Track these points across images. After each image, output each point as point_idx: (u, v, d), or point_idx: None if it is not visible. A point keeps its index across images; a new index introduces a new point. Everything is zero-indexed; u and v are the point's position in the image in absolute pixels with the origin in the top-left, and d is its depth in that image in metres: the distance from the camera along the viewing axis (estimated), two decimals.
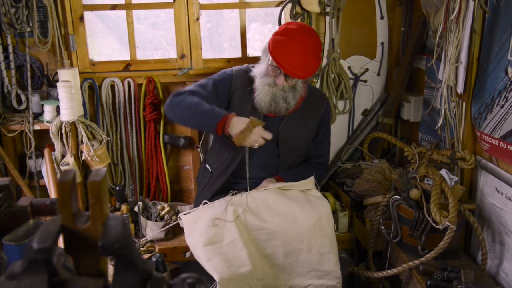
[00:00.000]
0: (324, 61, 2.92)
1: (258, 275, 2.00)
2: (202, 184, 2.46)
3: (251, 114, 2.25)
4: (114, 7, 2.78)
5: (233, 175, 2.33)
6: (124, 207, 2.45)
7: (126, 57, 2.88)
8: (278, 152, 2.35)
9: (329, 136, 2.53)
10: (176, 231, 2.48)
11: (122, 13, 2.83)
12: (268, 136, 2.10)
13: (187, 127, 2.79)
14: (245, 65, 2.39)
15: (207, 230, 2.04)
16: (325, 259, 2.08)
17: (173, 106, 2.17)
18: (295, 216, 2.11)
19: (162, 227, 2.40)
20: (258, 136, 2.07)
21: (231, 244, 1.98)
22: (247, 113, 2.26)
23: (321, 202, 2.23)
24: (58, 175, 2.56)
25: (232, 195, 2.22)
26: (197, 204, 2.40)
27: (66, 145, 2.56)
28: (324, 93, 2.69)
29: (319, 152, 2.49)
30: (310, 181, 2.34)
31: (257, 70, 2.25)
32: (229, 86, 2.32)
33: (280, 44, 2.13)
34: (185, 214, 2.24)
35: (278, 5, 2.84)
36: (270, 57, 2.15)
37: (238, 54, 2.96)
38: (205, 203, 2.28)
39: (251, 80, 2.28)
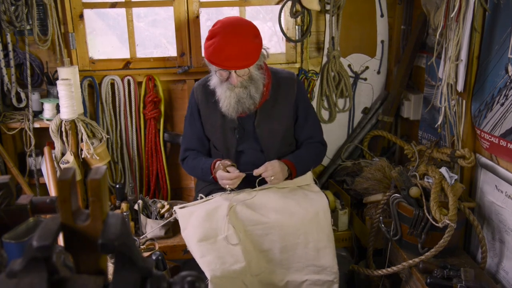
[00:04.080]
0: (324, 59, 2.92)
1: (253, 271, 1.99)
2: (201, 186, 2.46)
3: (222, 124, 2.28)
4: (113, 5, 2.78)
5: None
6: (124, 205, 2.45)
7: (126, 55, 2.88)
8: (261, 147, 2.31)
9: (313, 114, 2.41)
10: (176, 229, 2.48)
11: (122, 11, 2.83)
12: (226, 181, 2.19)
13: None
14: (206, 76, 2.38)
15: (202, 224, 2.04)
16: (322, 254, 2.07)
17: (185, 170, 2.50)
18: (291, 210, 2.11)
19: (162, 225, 2.40)
20: (220, 180, 2.20)
21: (226, 240, 1.98)
22: (218, 120, 2.28)
23: (319, 196, 2.22)
24: (58, 173, 2.56)
25: (229, 193, 2.22)
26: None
27: (66, 143, 2.56)
28: (292, 72, 2.46)
29: (308, 133, 2.39)
30: (309, 176, 2.33)
31: (213, 82, 2.23)
32: (194, 103, 2.37)
33: (211, 48, 2.09)
34: (180, 208, 2.24)
35: (278, 3, 2.84)
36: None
37: None
38: (201, 197, 2.28)
39: (212, 92, 2.25)
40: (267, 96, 2.26)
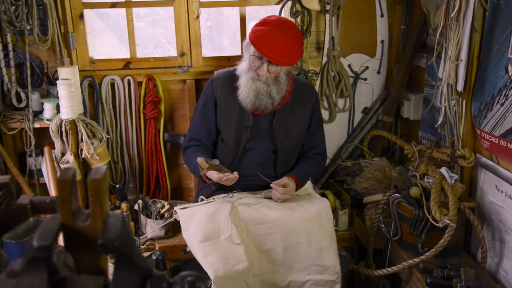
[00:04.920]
0: (324, 59, 2.92)
1: (255, 271, 1.99)
2: (201, 187, 2.46)
3: (238, 114, 2.27)
4: (114, 5, 2.78)
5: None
6: (124, 205, 2.45)
7: (126, 55, 2.88)
8: (275, 147, 2.33)
9: (322, 125, 2.51)
10: (176, 229, 2.48)
11: (122, 11, 2.83)
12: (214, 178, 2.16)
13: None
14: (233, 67, 2.36)
15: (204, 225, 2.04)
16: (325, 254, 2.07)
17: (183, 159, 2.50)
18: (293, 209, 2.12)
19: (162, 225, 2.40)
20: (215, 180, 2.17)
21: (228, 240, 1.98)
22: (235, 114, 2.27)
23: (320, 199, 2.25)
24: (58, 173, 2.56)
25: (231, 196, 2.22)
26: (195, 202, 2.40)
27: (66, 143, 2.56)
28: (311, 82, 2.62)
29: (315, 142, 2.46)
30: (309, 186, 2.34)
31: (241, 67, 2.24)
32: (212, 94, 2.35)
33: (261, 33, 2.12)
34: (181, 209, 2.24)
35: (278, 3, 2.84)
36: (252, 48, 2.14)
37: (238, 52, 2.96)
38: (202, 199, 2.28)
39: (236, 79, 2.25)
40: (288, 99, 2.30)
